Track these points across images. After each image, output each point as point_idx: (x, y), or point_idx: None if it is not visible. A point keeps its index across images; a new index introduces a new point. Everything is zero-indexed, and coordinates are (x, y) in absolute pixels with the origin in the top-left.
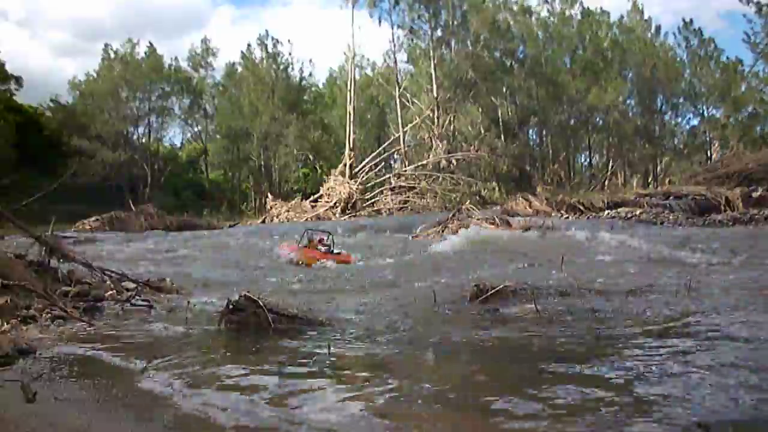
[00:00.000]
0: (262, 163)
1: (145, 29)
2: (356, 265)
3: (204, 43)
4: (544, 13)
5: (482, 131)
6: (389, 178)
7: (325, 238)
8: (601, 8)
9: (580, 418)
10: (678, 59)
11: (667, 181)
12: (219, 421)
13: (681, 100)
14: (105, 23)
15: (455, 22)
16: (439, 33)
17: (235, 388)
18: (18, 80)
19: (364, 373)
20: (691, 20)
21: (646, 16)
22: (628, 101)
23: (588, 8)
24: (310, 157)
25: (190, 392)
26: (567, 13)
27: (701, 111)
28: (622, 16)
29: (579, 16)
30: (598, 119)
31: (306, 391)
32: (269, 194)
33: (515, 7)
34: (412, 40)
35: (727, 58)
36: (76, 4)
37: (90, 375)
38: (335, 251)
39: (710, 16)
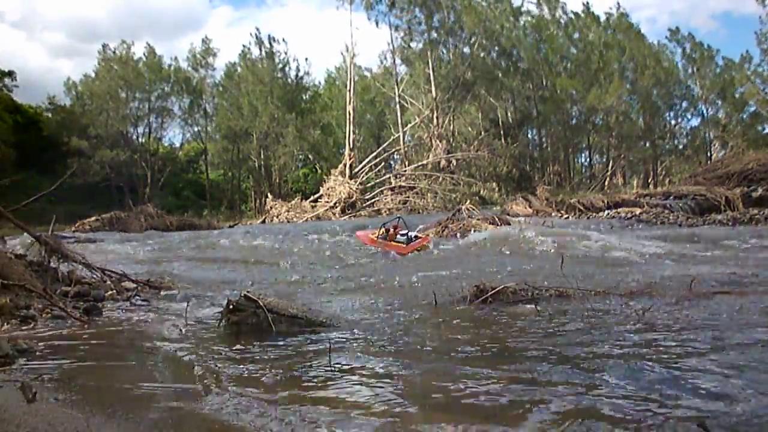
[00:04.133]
0: (262, 163)
1: (142, 30)
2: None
3: (204, 43)
4: (534, 12)
5: (482, 131)
6: (389, 178)
7: (399, 225)
8: (591, 9)
9: (579, 418)
10: (675, 63)
11: (667, 181)
12: (219, 420)
13: (675, 100)
14: (101, 24)
15: (448, 24)
16: (434, 34)
17: (234, 388)
18: (11, 74)
19: (364, 374)
20: (677, 28)
21: (633, 19)
22: (628, 101)
23: (584, 8)
24: (310, 157)
25: (190, 392)
26: (555, 15)
27: (701, 111)
28: (610, 15)
29: (569, 16)
30: (597, 120)
31: (306, 391)
32: (269, 194)
33: (504, 4)
34: (410, 40)
35: (728, 60)
36: (72, 6)
37: (89, 375)
38: (414, 236)
39: (705, 16)
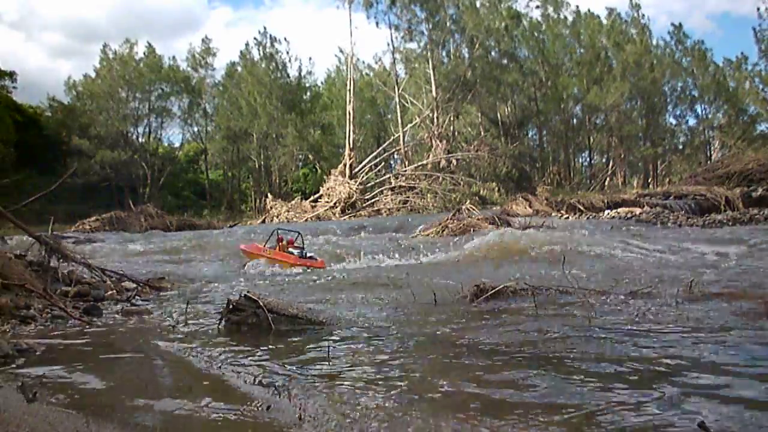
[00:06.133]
0: (262, 163)
1: (140, 31)
2: (339, 269)
3: (204, 43)
4: (535, 14)
5: (482, 131)
6: (389, 178)
7: (295, 238)
8: (591, 10)
9: (579, 418)
10: (673, 62)
11: (667, 181)
12: (219, 419)
13: (675, 100)
14: (100, 25)
15: (449, 24)
16: (434, 35)
17: (234, 389)
18: (11, 75)
19: (364, 374)
20: (680, 24)
21: (641, 16)
22: (629, 102)
23: (586, 10)
24: (310, 157)
25: (190, 392)
26: (558, 15)
27: (700, 111)
28: (615, 14)
29: (571, 17)
30: (598, 120)
31: (306, 392)
32: (269, 194)
33: (503, 10)
34: (410, 40)
35: (726, 60)
36: (70, 6)
37: (90, 375)
38: (309, 255)
39: (702, 17)
